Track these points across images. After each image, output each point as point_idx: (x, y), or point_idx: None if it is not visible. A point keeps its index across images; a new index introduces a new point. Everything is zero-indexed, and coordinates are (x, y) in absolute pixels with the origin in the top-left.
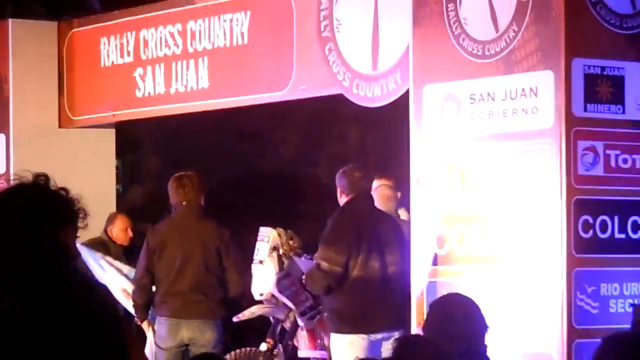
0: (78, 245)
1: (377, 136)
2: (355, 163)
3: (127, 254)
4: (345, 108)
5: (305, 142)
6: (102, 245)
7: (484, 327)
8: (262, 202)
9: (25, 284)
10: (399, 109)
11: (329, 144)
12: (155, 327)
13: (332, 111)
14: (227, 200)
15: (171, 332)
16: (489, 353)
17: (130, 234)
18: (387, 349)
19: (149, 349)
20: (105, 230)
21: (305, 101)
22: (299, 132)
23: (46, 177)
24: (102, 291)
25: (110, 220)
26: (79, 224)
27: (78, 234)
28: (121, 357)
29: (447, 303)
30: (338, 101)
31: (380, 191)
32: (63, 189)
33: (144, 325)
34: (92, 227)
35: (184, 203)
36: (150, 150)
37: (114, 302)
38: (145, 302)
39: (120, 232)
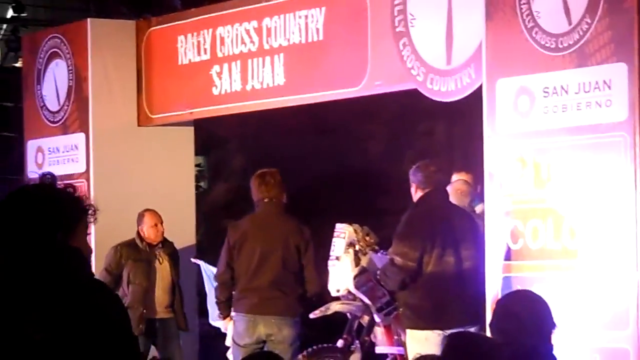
0: (197, 261)
1: (464, 131)
2: (430, 159)
3: (170, 254)
4: (431, 102)
5: (391, 137)
6: (130, 247)
7: (551, 326)
8: (346, 198)
9: (43, 294)
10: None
11: (415, 139)
12: (234, 324)
13: (418, 105)
14: (311, 196)
15: (248, 328)
16: (556, 351)
17: (162, 229)
18: None
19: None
20: (138, 231)
21: (390, 95)
22: (384, 127)
23: (52, 177)
24: (115, 296)
25: (139, 218)
26: (90, 220)
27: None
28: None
29: (513, 301)
30: (424, 95)
31: (455, 185)
32: (69, 186)
33: (226, 322)
34: (168, 225)
35: (265, 200)
36: (234, 148)
37: (124, 309)
38: (228, 298)
39: (150, 229)
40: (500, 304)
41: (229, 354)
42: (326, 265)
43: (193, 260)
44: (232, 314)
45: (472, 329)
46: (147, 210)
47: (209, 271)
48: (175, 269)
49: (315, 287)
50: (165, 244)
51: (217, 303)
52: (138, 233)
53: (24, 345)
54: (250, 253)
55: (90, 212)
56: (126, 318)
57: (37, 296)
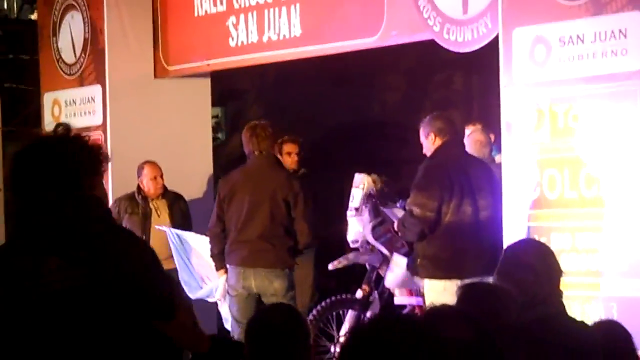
0: (162, 228)
1: (482, 81)
2: (447, 110)
3: (170, 206)
4: (449, 53)
5: (408, 88)
6: (129, 200)
7: (557, 273)
8: (364, 149)
9: (62, 242)
10: None
11: (432, 89)
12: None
13: (436, 56)
14: (329, 147)
15: (239, 280)
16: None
17: (161, 182)
18: None
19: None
20: (138, 183)
21: (408, 46)
22: (402, 78)
23: (66, 127)
24: (139, 240)
25: (139, 170)
26: (105, 168)
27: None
28: (172, 306)
29: (519, 250)
30: (441, 46)
31: (474, 136)
32: (82, 136)
33: (221, 275)
34: (185, 176)
35: (256, 152)
36: (252, 99)
37: (150, 251)
38: (220, 251)
39: (150, 181)
40: (512, 254)
41: (221, 308)
42: (345, 216)
43: (157, 227)
44: (228, 266)
45: (490, 279)
46: (147, 162)
47: (176, 240)
48: (177, 220)
49: (306, 239)
50: (166, 195)
51: (211, 256)
52: (138, 186)
53: (46, 295)
54: (239, 206)
55: (102, 159)
56: (154, 260)
57: (56, 244)
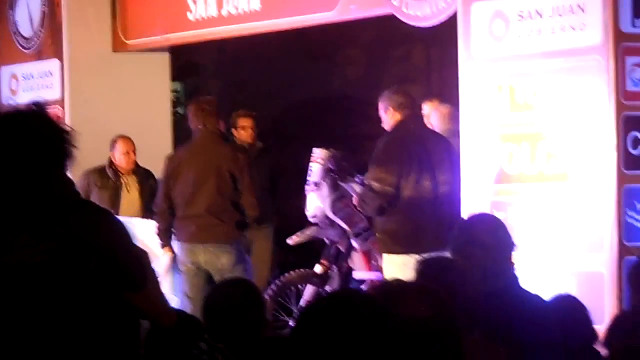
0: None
1: (442, 56)
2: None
3: (140, 182)
4: (410, 27)
5: (370, 62)
6: (99, 173)
7: (510, 247)
8: (325, 124)
9: (33, 217)
10: None
11: (393, 64)
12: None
13: (397, 30)
14: (290, 122)
15: (188, 256)
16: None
17: (134, 157)
18: None
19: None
20: (110, 157)
21: (369, 21)
22: (363, 53)
23: (40, 107)
24: (107, 212)
25: (112, 144)
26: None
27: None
28: (142, 276)
29: (470, 225)
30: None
31: (442, 110)
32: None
33: (167, 252)
34: (145, 151)
35: (201, 128)
36: (212, 74)
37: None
38: (167, 227)
39: (122, 156)
40: (463, 229)
41: (162, 286)
42: (304, 191)
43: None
44: (176, 242)
45: (448, 254)
46: (120, 136)
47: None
48: (146, 198)
49: (254, 213)
50: (138, 172)
51: (157, 233)
52: (110, 160)
53: (16, 270)
54: (186, 181)
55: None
56: (123, 231)
57: (26, 220)
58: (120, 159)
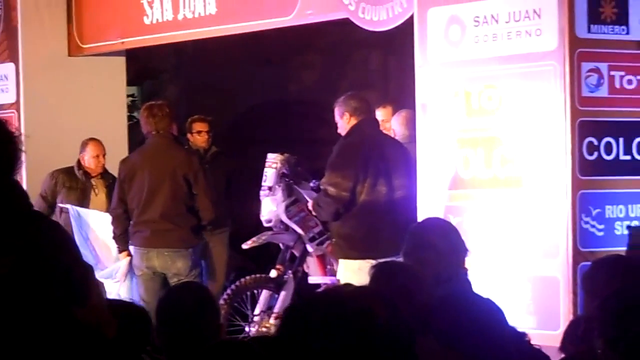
0: (65, 206)
1: (398, 61)
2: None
3: (108, 186)
4: (367, 32)
5: (327, 67)
6: (67, 174)
7: (462, 251)
8: (281, 128)
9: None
10: None
11: (350, 69)
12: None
13: (354, 35)
14: (246, 126)
15: (142, 260)
16: (471, 277)
17: (103, 161)
18: None
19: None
20: (79, 159)
21: (326, 26)
22: (321, 57)
23: None
24: (55, 224)
25: (83, 146)
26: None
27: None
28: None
29: (422, 229)
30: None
31: (404, 114)
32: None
33: (123, 257)
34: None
35: (153, 132)
36: (168, 78)
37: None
38: (122, 231)
39: (92, 159)
40: (415, 233)
41: (120, 290)
42: (257, 195)
43: (60, 205)
44: (131, 247)
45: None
46: (91, 139)
47: (75, 215)
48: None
49: (209, 215)
50: (105, 176)
51: (113, 237)
52: (78, 161)
53: None
54: (140, 186)
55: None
56: (73, 246)
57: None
58: (89, 161)
